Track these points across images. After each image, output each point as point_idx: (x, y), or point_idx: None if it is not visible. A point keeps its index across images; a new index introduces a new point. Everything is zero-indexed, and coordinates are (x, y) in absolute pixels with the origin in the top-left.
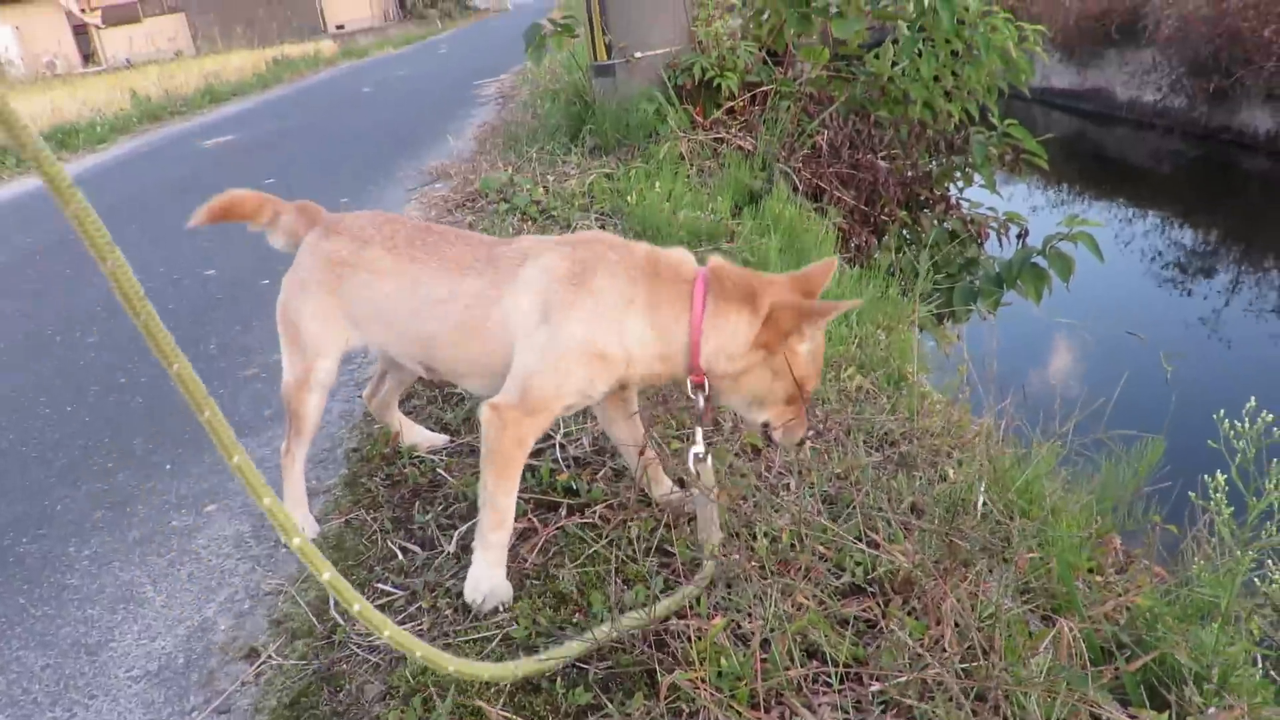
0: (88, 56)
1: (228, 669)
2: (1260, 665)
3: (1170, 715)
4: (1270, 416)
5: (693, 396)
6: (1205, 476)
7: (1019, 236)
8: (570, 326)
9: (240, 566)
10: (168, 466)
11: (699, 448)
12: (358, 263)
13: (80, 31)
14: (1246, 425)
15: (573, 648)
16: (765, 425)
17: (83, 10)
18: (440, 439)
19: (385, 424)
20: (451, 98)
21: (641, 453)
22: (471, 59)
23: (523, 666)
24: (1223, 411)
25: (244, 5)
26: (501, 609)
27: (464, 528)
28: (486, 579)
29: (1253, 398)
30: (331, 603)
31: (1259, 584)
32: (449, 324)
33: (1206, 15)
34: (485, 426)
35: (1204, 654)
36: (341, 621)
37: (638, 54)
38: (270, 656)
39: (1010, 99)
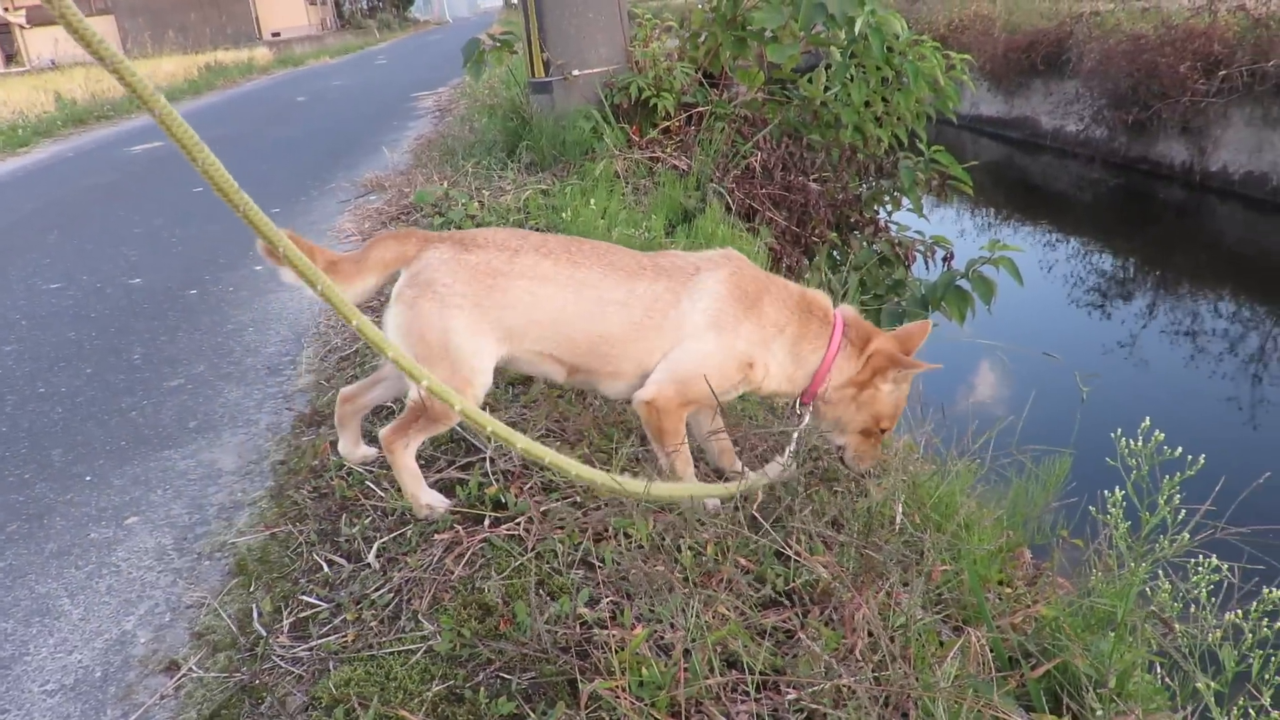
0: (10, 57)
1: (147, 682)
2: (1157, 672)
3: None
4: (1162, 435)
5: (799, 411)
6: (1105, 492)
7: (944, 260)
8: (738, 342)
9: (161, 579)
10: (88, 478)
11: (790, 450)
12: (512, 271)
13: (2, 31)
14: (1140, 443)
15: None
16: (840, 448)
17: (5, 9)
18: (371, 452)
19: (342, 426)
20: (388, 110)
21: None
22: (409, 71)
23: (656, 487)
24: (1120, 430)
25: (176, 9)
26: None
27: (388, 539)
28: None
29: (1147, 418)
30: (255, 615)
31: (1151, 594)
32: (628, 324)
33: (1126, 50)
34: (650, 417)
35: (1102, 662)
36: (264, 634)
37: (575, 72)
38: (191, 669)
39: (940, 125)
